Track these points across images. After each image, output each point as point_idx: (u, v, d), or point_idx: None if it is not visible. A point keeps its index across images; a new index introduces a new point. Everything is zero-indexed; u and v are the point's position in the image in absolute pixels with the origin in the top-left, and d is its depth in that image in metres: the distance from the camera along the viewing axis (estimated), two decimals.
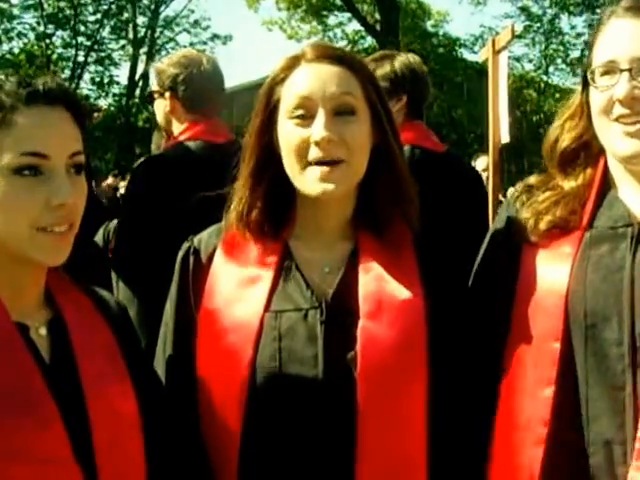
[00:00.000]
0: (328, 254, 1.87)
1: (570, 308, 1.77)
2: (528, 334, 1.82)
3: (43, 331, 1.62)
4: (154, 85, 3.54)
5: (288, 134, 1.78)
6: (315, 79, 1.78)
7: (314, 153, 1.75)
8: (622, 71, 1.75)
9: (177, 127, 3.45)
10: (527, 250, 1.89)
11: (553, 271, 1.82)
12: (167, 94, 3.42)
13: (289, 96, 1.80)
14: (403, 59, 3.52)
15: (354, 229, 1.89)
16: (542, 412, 1.77)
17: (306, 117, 1.77)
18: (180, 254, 1.96)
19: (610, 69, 1.78)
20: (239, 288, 1.84)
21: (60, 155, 1.54)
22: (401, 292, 1.80)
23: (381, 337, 1.75)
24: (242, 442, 1.77)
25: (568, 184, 1.91)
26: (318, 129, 1.74)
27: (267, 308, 1.80)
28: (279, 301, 1.82)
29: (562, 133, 1.93)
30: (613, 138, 1.79)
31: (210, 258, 1.90)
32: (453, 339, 1.84)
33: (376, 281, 1.81)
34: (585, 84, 1.88)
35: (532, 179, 2.02)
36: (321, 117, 1.75)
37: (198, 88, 3.38)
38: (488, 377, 1.90)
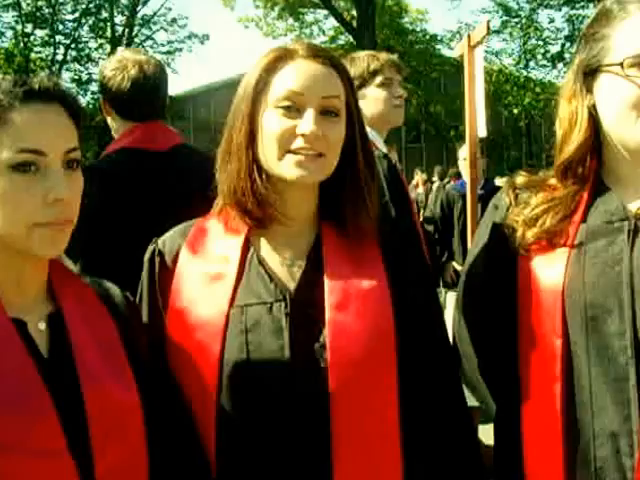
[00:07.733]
0: (290, 247, 1.90)
1: (568, 302, 1.78)
2: (533, 334, 1.84)
3: (42, 326, 1.62)
4: None
5: (274, 122, 1.82)
6: (310, 77, 1.82)
7: (298, 143, 1.79)
8: None
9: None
10: (522, 254, 1.89)
11: (549, 269, 1.83)
12: None
13: (279, 87, 1.83)
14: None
15: (317, 222, 1.93)
16: (553, 409, 1.79)
17: (292, 109, 1.81)
18: (146, 256, 1.98)
19: None
20: (204, 285, 1.86)
21: (56, 151, 1.55)
22: (367, 282, 1.83)
23: (350, 327, 1.77)
24: (216, 438, 1.78)
25: (564, 190, 1.90)
26: (308, 123, 1.78)
27: (232, 303, 1.82)
28: (244, 295, 1.83)
29: (567, 143, 1.89)
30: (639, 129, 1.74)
31: (175, 258, 1.92)
32: (418, 327, 1.87)
33: (342, 272, 1.84)
34: (587, 85, 1.84)
35: (519, 180, 2.00)
36: (310, 113, 1.80)
37: None
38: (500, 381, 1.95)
